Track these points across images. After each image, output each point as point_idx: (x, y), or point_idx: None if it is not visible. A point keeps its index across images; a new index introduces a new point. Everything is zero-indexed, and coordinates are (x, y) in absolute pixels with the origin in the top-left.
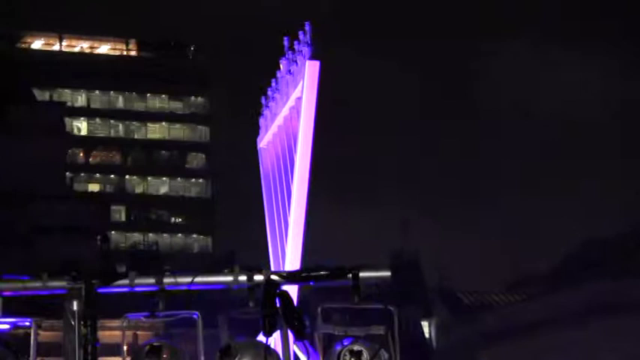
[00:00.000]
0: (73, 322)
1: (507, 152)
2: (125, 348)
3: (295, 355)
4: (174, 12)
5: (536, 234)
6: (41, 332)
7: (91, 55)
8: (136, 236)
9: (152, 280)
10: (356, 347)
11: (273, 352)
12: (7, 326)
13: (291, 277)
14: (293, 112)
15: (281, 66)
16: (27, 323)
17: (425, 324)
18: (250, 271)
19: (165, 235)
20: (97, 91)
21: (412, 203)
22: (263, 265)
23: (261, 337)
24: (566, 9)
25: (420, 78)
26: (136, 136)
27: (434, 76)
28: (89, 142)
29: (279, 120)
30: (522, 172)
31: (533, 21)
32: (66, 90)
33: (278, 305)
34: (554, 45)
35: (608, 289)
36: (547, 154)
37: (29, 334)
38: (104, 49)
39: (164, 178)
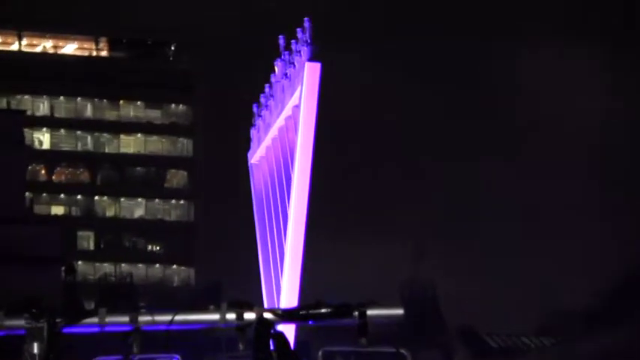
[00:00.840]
0: None
1: (535, 173)
2: None
3: None
4: (151, 5)
5: (571, 268)
6: None
7: (55, 55)
8: (107, 267)
9: (125, 319)
10: None
11: None
12: None
13: (287, 316)
14: (290, 122)
15: (276, 69)
16: None
17: None
18: (240, 308)
19: (140, 265)
20: (62, 98)
21: (428, 230)
22: (255, 301)
23: None
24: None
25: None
26: (106, 150)
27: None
28: (52, 157)
29: (273, 131)
30: (551, 197)
31: (537, 20)
32: (26, 96)
33: (272, 348)
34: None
35: None
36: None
37: None
38: (70, 48)
39: (139, 200)
